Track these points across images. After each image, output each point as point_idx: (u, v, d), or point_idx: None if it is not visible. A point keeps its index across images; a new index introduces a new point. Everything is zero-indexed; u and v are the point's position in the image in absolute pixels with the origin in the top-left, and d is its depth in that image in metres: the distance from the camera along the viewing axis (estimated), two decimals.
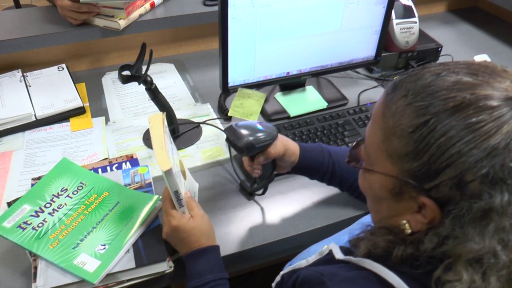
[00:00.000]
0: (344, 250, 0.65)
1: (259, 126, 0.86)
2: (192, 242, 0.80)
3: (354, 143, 0.68)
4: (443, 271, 0.54)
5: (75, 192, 0.90)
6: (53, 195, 0.89)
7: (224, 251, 0.88)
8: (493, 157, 0.50)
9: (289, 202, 0.99)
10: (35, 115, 1.16)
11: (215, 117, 1.20)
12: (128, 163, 1.00)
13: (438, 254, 0.55)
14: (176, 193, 0.77)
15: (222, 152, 1.09)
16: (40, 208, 0.86)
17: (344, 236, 0.76)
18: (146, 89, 1.04)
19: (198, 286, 0.77)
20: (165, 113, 0.85)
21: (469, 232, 0.53)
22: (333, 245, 0.67)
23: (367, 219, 0.73)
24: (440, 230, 0.55)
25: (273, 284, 0.74)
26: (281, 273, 0.74)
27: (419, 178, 0.55)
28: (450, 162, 0.52)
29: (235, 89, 1.15)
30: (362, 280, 0.58)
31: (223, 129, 1.12)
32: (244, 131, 0.85)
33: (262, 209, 0.97)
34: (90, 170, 0.97)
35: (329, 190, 1.02)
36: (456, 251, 0.53)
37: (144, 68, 1.00)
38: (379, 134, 0.58)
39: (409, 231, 0.58)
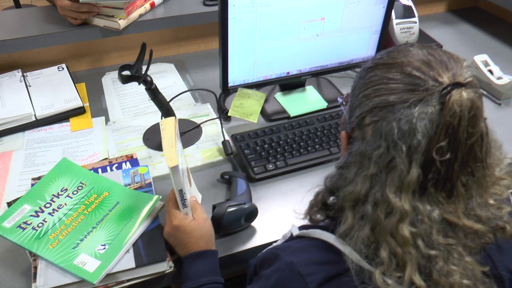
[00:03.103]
0: (301, 227, 0.70)
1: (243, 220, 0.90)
2: (191, 244, 0.80)
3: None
4: (341, 221, 0.61)
5: (75, 192, 0.90)
6: (53, 195, 0.89)
7: (224, 251, 0.88)
8: (387, 111, 0.57)
9: (289, 202, 0.99)
10: (35, 115, 1.16)
11: (215, 117, 1.20)
12: (128, 163, 1.00)
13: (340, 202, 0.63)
14: (181, 192, 0.78)
15: (222, 152, 1.09)
16: (40, 208, 0.86)
17: None
18: (146, 89, 1.04)
19: (192, 287, 0.77)
20: (177, 118, 0.86)
21: (350, 172, 0.60)
22: (293, 225, 0.72)
23: None
24: (337, 163, 0.65)
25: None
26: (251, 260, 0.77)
27: (349, 113, 0.65)
28: (360, 102, 0.61)
29: (235, 89, 1.16)
30: (311, 248, 0.63)
31: (223, 129, 1.12)
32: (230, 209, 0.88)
33: (262, 209, 0.97)
34: (90, 170, 0.97)
35: None
36: (342, 194, 0.61)
37: (144, 68, 1.00)
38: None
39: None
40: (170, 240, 0.83)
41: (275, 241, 0.91)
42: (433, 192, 0.57)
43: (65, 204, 0.88)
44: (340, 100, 0.77)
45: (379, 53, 0.65)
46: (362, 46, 1.26)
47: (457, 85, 0.55)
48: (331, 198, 0.67)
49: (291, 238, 0.70)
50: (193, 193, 0.90)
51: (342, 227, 0.60)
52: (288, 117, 1.22)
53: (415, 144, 0.55)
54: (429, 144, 0.55)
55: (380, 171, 0.57)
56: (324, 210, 0.68)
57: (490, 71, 1.34)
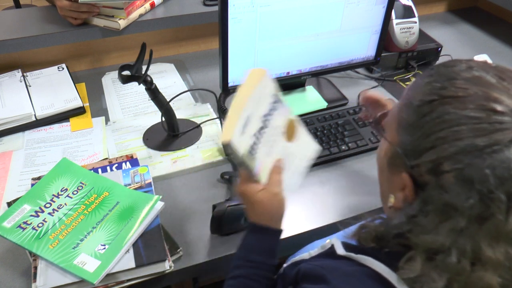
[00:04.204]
0: (346, 246, 0.65)
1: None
2: (253, 214, 0.75)
3: (384, 111, 0.71)
4: (399, 255, 0.55)
5: (75, 192, 0.90)
6: (53, 195, 0.89)
7: (224, 251, 0.88)
8: (474, 157, 0.50)
9: (289, 202, 0.99)
10: (35, 115, 1.16)
11: (215, 117, 1.20)
12: (128, 163, 1.00)
13: (405, 243, 0.56)
14: (244, 164, 0.70)
15: (222, 152, 1.09)
16: (40, 208, 0.86)
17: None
18: (146, 89, 1.04)
19: (238, 265, 0.73)
20: (267, 71, 0.76)
21: (430, 222, 0.53)
22: (335, 239, 0.67)
23: None
24: (408, 210, 0.56)
25: (275, 276, 0.74)
26: (284, 265, 0.73)
27: (408, 152, 0.57)
28: (434, 145, 0.53)
29: (235, 89, 1.15)
30: (362, 276, 0.58)
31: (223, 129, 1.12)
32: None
33: None
34: (90, 170, 0.97)
35: (329, 191, 1.02)
36: (415, 240, 0.54)
37: (144, 68, 1.00)
38: (399, 104, 0.61)
39: (390, 204, 0.61)
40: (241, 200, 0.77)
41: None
42: None
43: (65, 204, 0.88)
44: (372, 124, 0.69)
45: (436, 79, 0.56)
46: (362, 46, 1.26)
47: None
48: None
49: (334, 255, 0.64)
50: (294, 151, 0.80)
51: (407, 272, 0.53)
52: None
53: None
54: None
55: (471, 223, 0.51)
56: (378, 241, 0.60)
57: None
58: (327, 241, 0.69)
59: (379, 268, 0.57)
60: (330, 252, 0.66)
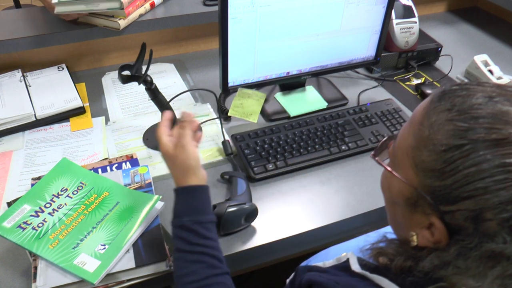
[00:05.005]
0: (361, 262, 0.64)
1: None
2: (175, 177, 0.78)
3: (386, 137, 0.67)
4: None
5: (75, 192, 0.90)
6: (53, 195, 0.89)
7: (224, 251, 0.88)
8: None
9: (289, 202, 0.99)
10: (35, 115, 1.16)
11: (215, 117, 1.20)
12: (128, 163, 1.00)
13: (434, 276, 0.53)
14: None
15: (222, 152, 1.09)
16: (40, 208, 0.86)
17: (360, 243, 0.75)
18: (146, 89, 1.03)
19: (174, 225, 0.75)
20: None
21: (472, 267, 0.51)
22: (351, 254, 0.66)
23: (385, 230, 0.73)
24: (443, 254, 0.53)
25: (288, 280, 0.73)
26: (298, 267, 0.73)
27: (437, 197, 0.53)
28: (473, 194, 0.49)
29: (235, 89, 1.16)
30: None
31: (223, 129, 1.13)
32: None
33: (262, 209, 0.97)
34: (90, 170, 0.97)
35: (329, 190, 1.02)
36: (452, 280, 0.51)
37: (144, 68, 1.00)
38: (412, 140, 0.56)
39: (414, 243, 0.57)
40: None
41: (275, 241, 0.91)
42: None
43: (65, 204, 0.88)
44: (377, 158, 0.65)
45: (458, 117, 0.51)
46: (362, 46, 1.26)
47: None
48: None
49: (349, 270, 0.63)
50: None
51: None
52: (288, 117, 1.22)
53: None
54: None
55: None
56: (401, 271, 0.57)
57: (490, 71, 1.35)
58: (343, 254, 0.67)
59: None
60: (345, 266, 0.65)
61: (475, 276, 0.50)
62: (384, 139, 0.67)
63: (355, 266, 0.62)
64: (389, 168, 0.60)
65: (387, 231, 0.68)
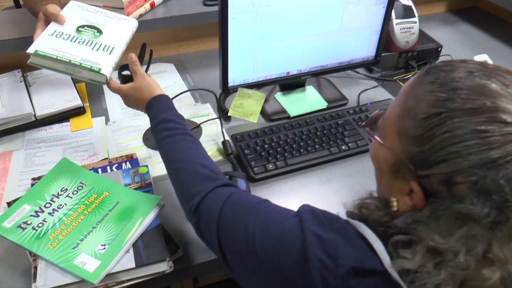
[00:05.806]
0: (349, 214, 0.68)
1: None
2: (143, 101, 0.91)
3: (378, 111, 0.70)
4: (402, 244, 0.56)
5: (75, 192, 0.90)
6: (53, 195, 0.89)
7: None
8: (488, 169, 0.51)
9: (289, 202, 0.99)
10: (35, 115, 1.16)
11: (215, 117, 1.20)
12: (128, 163, 1.00)
13: (406, 231, 0.57)
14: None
15: (222, 152, 1.09)
16: (40, 208, 0.86)
17: None
18: None
19: (155, 125, 0.86)
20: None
21: (440, 226, 0.54)
22: (342, 208, 0.71)
23: None
24: (417, 214, 0.57)
25: None
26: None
27: (416, 163, 0.57)
28: (447, 158, 0.53)
29: (235, 89, 1.16)
30: (350, 234, 0.61)
31: (223, 129, 1.13)
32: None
33: None
34: (90, 170, 0.97)
35: (329, 190, 1.02)
36: (420, 234, 0.55)
37: (144, 68, 1.00)
38: (397, 110, 0.60)
39: (395, 209, 0.62)
40: (131, 106, 0.96)
41: None
42: None
43: (65, 204, 0.88)
44: (365, 126, 0.70)
45: (439, 88, 0.56)
46: (362, 46, 1.26)
47: None
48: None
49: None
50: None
51: (402, 262, 0.54)
52: (288, 117, 1.22)
53: None
54: None
55: (485, 229, 0.52)
56: (379, 225, 0.61)
57: None
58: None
59: (377, 247, 0.58)
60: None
61: (442, 233, 0.54)
62: (377, 112, 0.70)
63: (342, 213, 0.68)
64: (376, 137, 0.65)
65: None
